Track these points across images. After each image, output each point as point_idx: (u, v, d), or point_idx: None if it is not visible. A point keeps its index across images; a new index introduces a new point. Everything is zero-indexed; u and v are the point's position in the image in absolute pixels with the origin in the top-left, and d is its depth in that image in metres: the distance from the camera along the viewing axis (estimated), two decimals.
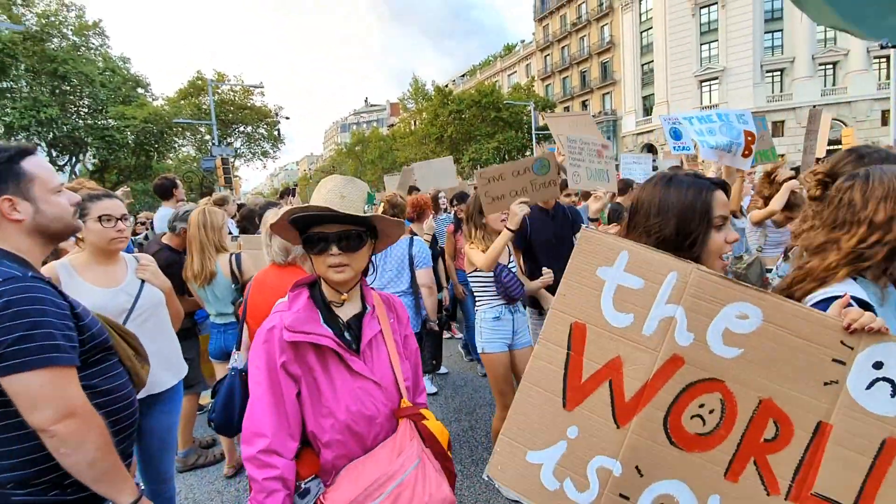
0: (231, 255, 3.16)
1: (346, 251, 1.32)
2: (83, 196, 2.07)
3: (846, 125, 25.60)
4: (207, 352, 3.41)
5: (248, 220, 4.19)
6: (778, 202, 3.49)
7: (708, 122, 3.74)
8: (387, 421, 1.36)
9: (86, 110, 25.99)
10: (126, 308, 2.11)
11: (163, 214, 4.68)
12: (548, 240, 3.40)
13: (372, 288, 1.52)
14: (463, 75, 63.86)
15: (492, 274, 2.81)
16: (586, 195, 4.27)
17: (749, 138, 3.65)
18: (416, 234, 4.02)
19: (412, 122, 44.22)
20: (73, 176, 25.46)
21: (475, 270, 2.90)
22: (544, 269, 3.15)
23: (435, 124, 35.30)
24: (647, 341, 1.09)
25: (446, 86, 41.18)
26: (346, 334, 1.37)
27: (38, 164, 1.33)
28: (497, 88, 39.81)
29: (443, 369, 5.12)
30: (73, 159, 26.97)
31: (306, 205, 1.38)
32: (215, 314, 3.24)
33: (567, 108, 45.54)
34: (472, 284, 3.01)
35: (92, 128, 25.66)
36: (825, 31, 31.11)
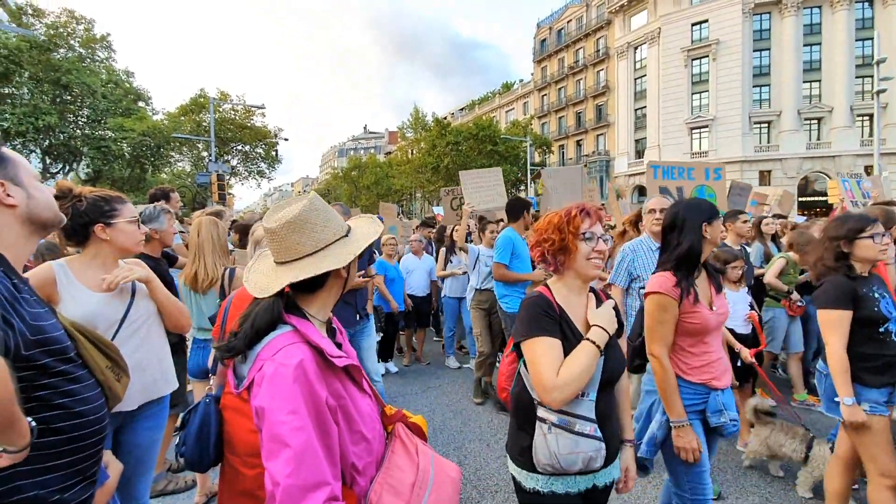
0: (226, 269, 3.11)
1: None
2: (103, 196, 2.02)
3: (830, 178, 26.43)
4: None
5: (247, 235, 4.01)
6: None
7: None
8: (382, 431, 1.37)
9: (84, 120, 26.02)
10: (118, 317, 2.02)
11: None
12: None
13: None
14: (462, 109, 65.34)
15: None
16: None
17: None
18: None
19: (410, 151, 44.85)
20: None
21: None
22: None
23: (432, 154, 35.83)
24: None
25: (445, 118, 42.02)
26: None
27: (13, 151, 1.24)
28: (494, 123, 40.68)
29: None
30: (67, 167, 26.81)
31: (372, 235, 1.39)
32: (196, 328, 3.14)
33: (562, 147, 46.64)
34: None
35: (89, 137, 25.64)
36: (811, 87, 32.56)
